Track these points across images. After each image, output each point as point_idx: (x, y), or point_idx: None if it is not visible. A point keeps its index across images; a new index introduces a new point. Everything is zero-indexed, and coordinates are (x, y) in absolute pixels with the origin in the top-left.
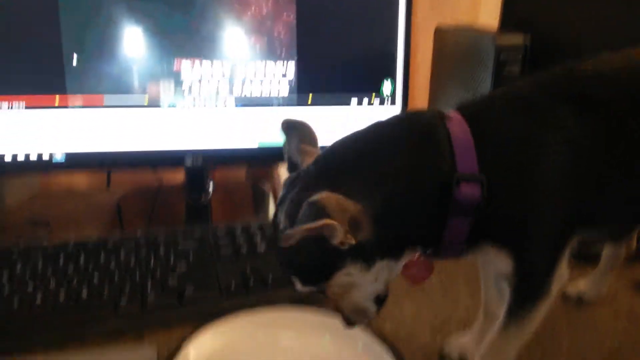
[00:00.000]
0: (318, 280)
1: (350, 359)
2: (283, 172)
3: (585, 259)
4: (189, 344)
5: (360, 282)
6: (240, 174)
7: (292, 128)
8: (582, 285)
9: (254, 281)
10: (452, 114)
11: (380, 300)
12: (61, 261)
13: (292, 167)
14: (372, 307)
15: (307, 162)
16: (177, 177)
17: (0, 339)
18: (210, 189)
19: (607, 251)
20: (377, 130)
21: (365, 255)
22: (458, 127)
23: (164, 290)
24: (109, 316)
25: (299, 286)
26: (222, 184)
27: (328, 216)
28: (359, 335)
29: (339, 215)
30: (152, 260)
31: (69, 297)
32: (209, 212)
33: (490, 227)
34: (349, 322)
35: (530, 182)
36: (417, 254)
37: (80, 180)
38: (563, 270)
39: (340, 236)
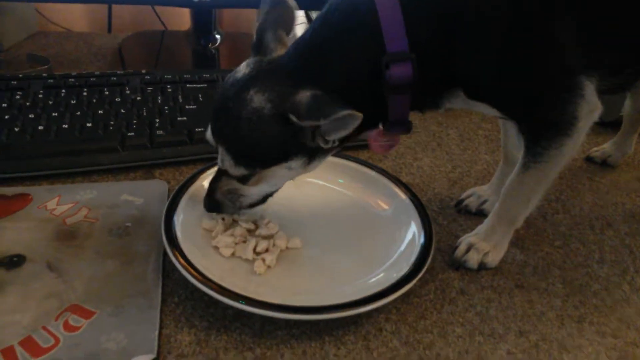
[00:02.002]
0: (255, 165)
1: (366, 194)
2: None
3: (609, 125)
4: (201, 177)
5: (281, 175)
6: (251, 23)
7: (277, 4)
8: (607, 147)
9: None
10: None
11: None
12: (63, 92)
13: (258, 46)
14: (253, 201)
15: (278, 52)
16: (182, 23)
17: (3, 160)
18: (218, 37)
19: (627, 110)
20: (328, 20)
21: (313, 152)
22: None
23: (173, 127)
24: (116, 148)
25: (227, 164)
26: (231, 33)
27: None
28: (377, 177)
29: None
30: (160, 98)
31: (73, 126)
32: (216, 60)
33: (454, 78)
34: (213, 207)
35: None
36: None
37: (79, 22)
38: (590, 106)
39: (348, 131)
